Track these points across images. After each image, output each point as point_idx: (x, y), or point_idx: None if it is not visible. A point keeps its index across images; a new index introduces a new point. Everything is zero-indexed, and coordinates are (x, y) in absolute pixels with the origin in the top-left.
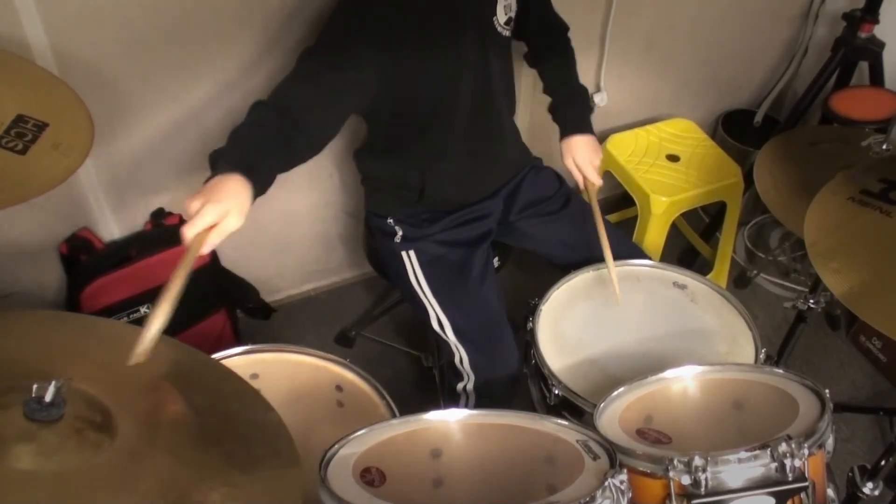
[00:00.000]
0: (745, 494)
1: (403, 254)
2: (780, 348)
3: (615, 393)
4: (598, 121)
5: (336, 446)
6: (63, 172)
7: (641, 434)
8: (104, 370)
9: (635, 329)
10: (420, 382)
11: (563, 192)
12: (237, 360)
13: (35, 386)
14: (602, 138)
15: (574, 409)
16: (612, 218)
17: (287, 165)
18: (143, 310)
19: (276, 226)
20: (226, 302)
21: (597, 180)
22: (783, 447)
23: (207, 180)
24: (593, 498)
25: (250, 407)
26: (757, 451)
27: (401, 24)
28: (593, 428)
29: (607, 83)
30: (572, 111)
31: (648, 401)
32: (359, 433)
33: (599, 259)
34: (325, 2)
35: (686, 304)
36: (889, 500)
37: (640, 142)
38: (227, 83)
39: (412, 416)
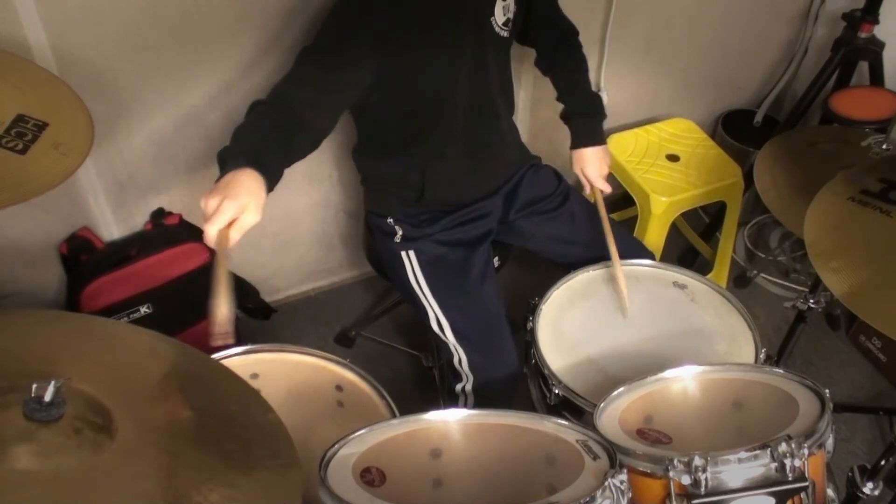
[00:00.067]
0: (745, 494)
1: (403, 254)
2: (780, 348)
3: (615, 393)
4: None
5: (336, 446)
6: (63, 172)
7: (641, 434)
8: (104, 370)
9: (635, 329)
10: (420, 382)
11: (562, 190)
12: (237, 360)
13: (35, 386)
14: None
15: (574, 409)
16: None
17: (289, 161)
18: (143, 310)
19: (275, 226)
20: None
21: (606, 189)
22: (783, 447)
23: (219, 178)
24: (593, 498)
25: (250, 407)
26: (757, 451)
27: (398, 23)
28: (593, 428)
29: (607, 83)
30: (583, 121)
31: (648, 401)
32: (359, 433)
33: (599, 257)
34: (325, 2)
35: (686, 304)
36: (889, 500)
37: (640, 142)
38: (226, 83)
39: (412, 416)
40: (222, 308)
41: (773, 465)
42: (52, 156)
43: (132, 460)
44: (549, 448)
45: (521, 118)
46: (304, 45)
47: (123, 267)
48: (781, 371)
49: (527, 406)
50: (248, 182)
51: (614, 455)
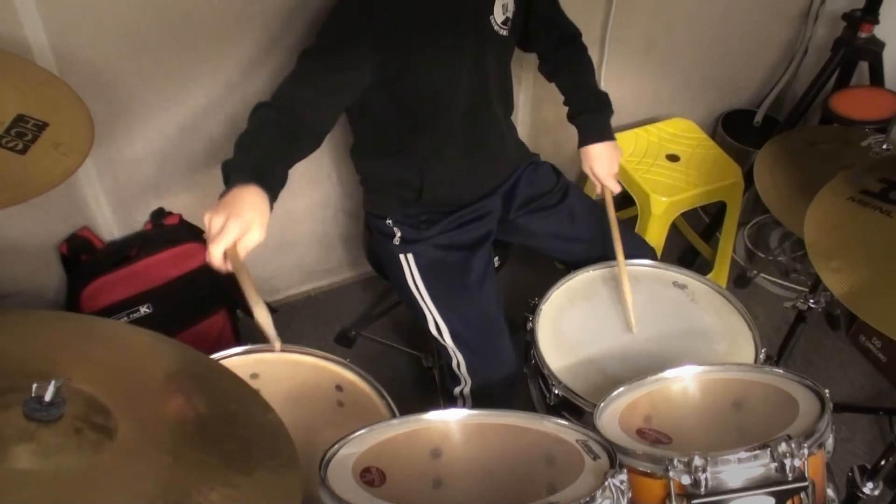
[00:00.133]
0: (745, 494)
1: (401, 257)
2: (780, 348)
3: (615, 393)
4: None
5: (336, 446)
6: (63, 172)
7: (641, 434)
8: (104, 370)
9: (635, 329)
10: (420, 382)
11: (561, 186)
12: (237, 360)
13: (35, 386)
14: None
15: (574, 409)
16: None
17: (293, 164)
18: (143, 310)
19: (275, 226)
20: (226, 302)
21: (615, 188)
22: (783, 447)
23: (223, 194)
24: (593, 498)
25: (250, 407)
26: (757, 451)
27: (398, 23)
28: (593, 428)
29: (607, 83)
30: (590, 117)
31: (648, 401)
32: (359, 433)
33: (600, 255)
34: (325, 2)
35: (686, 304)
36: (889, 500)
37: (640, 142)
38: (227, 83)
39: (412, 416)
40: (263, 316)
41: (773, 465)
42: (52, 156)
43: (132, 460)
44: (549, 448)
45: (522, 118)
46: (304, 45)
47: (123, 267)
48: (781, 371)
49: (527, 406)
50: (252, 199)
51: (614, 455)
